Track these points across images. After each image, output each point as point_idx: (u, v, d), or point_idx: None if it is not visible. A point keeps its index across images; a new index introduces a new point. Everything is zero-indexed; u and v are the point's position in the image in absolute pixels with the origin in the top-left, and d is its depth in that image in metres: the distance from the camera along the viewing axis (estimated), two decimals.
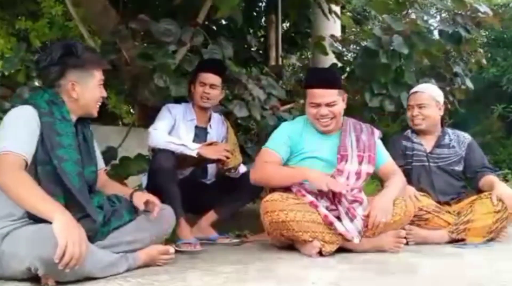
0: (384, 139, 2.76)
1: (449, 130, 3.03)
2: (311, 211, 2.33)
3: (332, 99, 2.48)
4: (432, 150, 2.91)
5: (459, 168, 2.91)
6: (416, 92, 2.96)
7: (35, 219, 1.77)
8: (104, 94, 2.12)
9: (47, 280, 1.72)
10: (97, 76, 2.06)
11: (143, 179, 2.91)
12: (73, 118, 2.03)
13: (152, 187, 2.69)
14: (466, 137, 3.00)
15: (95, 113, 2.10)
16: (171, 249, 2.16)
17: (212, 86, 2.91)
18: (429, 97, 2.92)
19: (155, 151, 2.74)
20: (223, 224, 2.96)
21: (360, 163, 2.49)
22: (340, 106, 2.53)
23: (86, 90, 2.03)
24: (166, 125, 2.84)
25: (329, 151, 2.52)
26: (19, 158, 1.79)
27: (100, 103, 2.12)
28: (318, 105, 2.48)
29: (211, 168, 3.01)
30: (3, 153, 1.78)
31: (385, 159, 2.62)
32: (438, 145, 2.93)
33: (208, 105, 2.95)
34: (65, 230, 1.66)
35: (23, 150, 1.81)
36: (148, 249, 2.08)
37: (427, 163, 2.88)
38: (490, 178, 2.82)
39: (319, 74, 2.67)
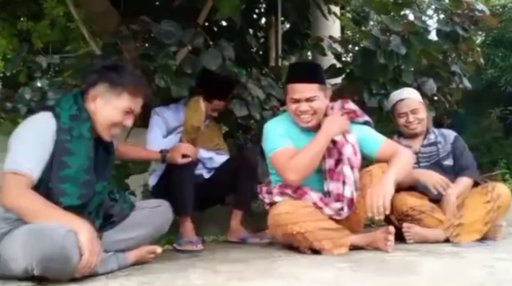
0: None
1: (434, 129, 3.05)
2: (320, 219, 2.36)
3: (311, 94, 2.40)
4: (420, 150, 2.93)
5: (450, 162, 2.91)
6: (403, 99, 2.95)
7: None
8: (128, 123, 2.01)
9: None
10: (125, 100, 1.96)
11: (151, 178, 2.90)
12: (96, 133, 1.98)
13: (167, 183, 2.69)
14: (451, 133, 3.02)
15: (106, 137, 2.00)
16: (158, 248, 2.19)
17: (218, 110, 3.00)
18: (418, 101, 2.96)
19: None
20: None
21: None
22: (321, 101, 2.45)
23: (105, 107, 1.95)
24: (161, 131, 2.86)
25: None
26: (29, 179, 1.78)
27: (116, 131, 2.02)
28: (298, 101, 2.41)
29: (209, 161, 2.99)
30: (14, 172, 1.77)
31: (378, 143, 2.52)
32: (424, 144, 2.94)
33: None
34: (90, 243, 1.72)
35: (34, 170, 1.80)
36: (137, 249, 2.10)
37: (417, 165, 2.86)
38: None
39: (299, 68, 2.60)
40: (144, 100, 2.05)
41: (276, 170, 2.44)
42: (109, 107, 1.96)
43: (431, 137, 2.97)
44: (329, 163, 2.43)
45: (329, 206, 2.39)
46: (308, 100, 2.41)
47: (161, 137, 2.85)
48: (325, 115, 2.51)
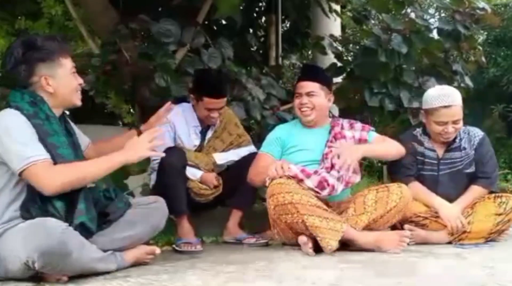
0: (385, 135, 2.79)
1: (461, 129, 2.75)
2: (315, 198, 2.37)
3: (311, 89, 2.67)
4: (443, 156, 2.73)
5: (472, 170, 2.72)
6: (449, 106, 2.62)
7: (27, 218, 1.79)
8: (81, 81, 2.05)
9: (61, 277, 1.76)
10: (67, 64, 1.98)
11: (152, 176, 2.86)
12: (57, 113, 1.99)
13: (160, 184, 2.68)
14: (477, 134, 2.76)
15: (77, 102, 2.04)
16: (157, 249, 2.18)
17: (219, 109, 2.86)
18: (460, 109, 2.67)
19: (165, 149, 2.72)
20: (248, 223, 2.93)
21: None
22: (321, 99, 2.69)
23: (60, 81, 1.96)
24: (168, 134, 2.81)
25: (315, 142, 2.66)
26: (47, 162, 1.82)
27: (80, 91, 2.05)
28: (300, 95, 2.69)
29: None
30: (33, 164, 1.79)
31: (372, 137, 2.72)
32: (449, 149, 2.73)
33: (213, 123, 2.92)
34: (139, 149, 1.96)
35: (44, 154, 1.82)
36: (135, 249, 2.09)
37: (436, 173, 2.73)
38: (468, 192, 2.69)
39: (304, 68, 2.95)
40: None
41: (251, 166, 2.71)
42: (62, 79, 1.97)
43: (456, 140, 2.74)
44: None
45: (311, 179, 2.44)
46: (308, 94, 2.68)
47: (168, 139, 2.79)
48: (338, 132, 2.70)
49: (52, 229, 1.67)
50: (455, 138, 2.74)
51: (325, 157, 2.60)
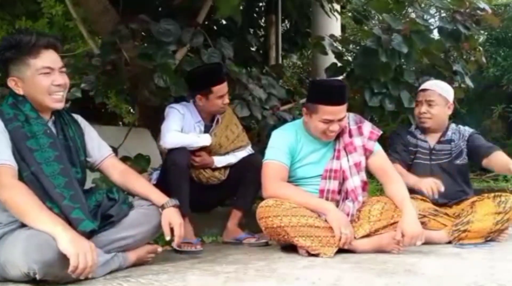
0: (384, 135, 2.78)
1: (453, 125, 2.98)
2: (307, 216, 2.34)
3: (343, 115, 2.45)
4: (435, 146, 2.90)
5: (463, 161, 2.88)
6: (426, 89, 2.91)
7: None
8: (59, 81, 1.90)
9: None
10: (34, 64, 1.85)
11: (153, 176, 2.88)
12: (44, 116, 1.94)
13: (164, 183, 2.68)
14: (467, 130, 2.95)
15: (52, 105, 1.91)
16: (159, 248, 2.19)
17: (226, 94, 2.89)
18: (439, 96, 2.87)
19: (170, 149, 2.73)
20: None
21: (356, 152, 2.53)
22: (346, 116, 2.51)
23: (26, 83, 1.86)
24: (179, 125, 2.82)
25: (319, 153, 2.55)
26: (12, 169, 1.75)
27: (60, 93, 1.91)
28: (331, 121, 2.42)
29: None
30: None
31: (376, 149, 2.57)
32: (440, 141, 2.91)
33: (223, 112, 2.93)
34: (72, 245, 1.64)
35: (9, 159, 1.77)
36: (138, 249, 2.09)
37: (428, 162, 2.87)
38: (500, 158, 2.77)
39: (333, 90, 2.46)
40: (54, 49, 1.91)
41: (262, 177, 2.49)
42: (31, 80, 1.86)
43: (448, 134, 2.92)
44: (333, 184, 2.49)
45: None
46: (339, 120, 2.44)
47: (177, 127, 2.79)
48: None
49: (53, 240, 1.64)
50: (446, 131, 2.93)
51: (333, 175, 2.49)
